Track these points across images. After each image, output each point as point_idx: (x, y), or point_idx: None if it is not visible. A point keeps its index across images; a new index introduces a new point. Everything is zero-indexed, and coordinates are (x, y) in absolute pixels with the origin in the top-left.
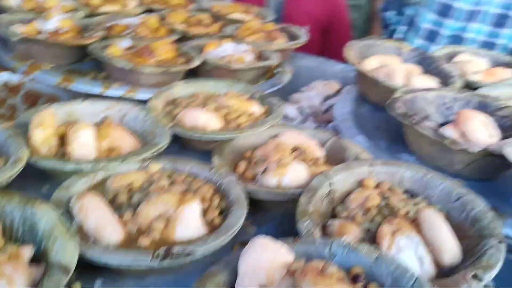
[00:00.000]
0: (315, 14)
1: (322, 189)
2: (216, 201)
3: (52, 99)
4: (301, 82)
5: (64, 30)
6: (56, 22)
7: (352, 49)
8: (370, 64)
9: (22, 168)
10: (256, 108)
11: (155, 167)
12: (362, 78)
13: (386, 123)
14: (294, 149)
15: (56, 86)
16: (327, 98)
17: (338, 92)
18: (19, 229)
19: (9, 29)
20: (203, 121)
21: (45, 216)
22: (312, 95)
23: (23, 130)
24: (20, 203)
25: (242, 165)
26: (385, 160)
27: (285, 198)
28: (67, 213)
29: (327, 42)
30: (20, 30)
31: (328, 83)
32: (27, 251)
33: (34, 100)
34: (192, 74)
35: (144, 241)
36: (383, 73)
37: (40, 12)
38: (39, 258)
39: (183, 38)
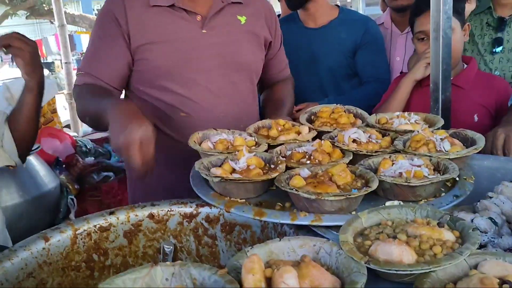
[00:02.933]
0: (484, 102)
1: None
2: None
3: (245, 226)
4: (484, 185)
5: (252, 167)
6: (245, 161)
7: None
8: None
9: None
10: (448, 235)
11: None
12: None
13: None
14: (502, 282)
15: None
16: None
17: None
18: None
19: (210, 172)
20: (397, 254)
21: None
22: (503, 200)
23: (235, 274)
24: None
25: None
26: None
27: None
28: None
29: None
30: (217, 172)
31: None
32: None
33: (230, 228)
34: (371, 193)
35: None
36: None
37: (229, 151)
38: None
39: (356, 156)
